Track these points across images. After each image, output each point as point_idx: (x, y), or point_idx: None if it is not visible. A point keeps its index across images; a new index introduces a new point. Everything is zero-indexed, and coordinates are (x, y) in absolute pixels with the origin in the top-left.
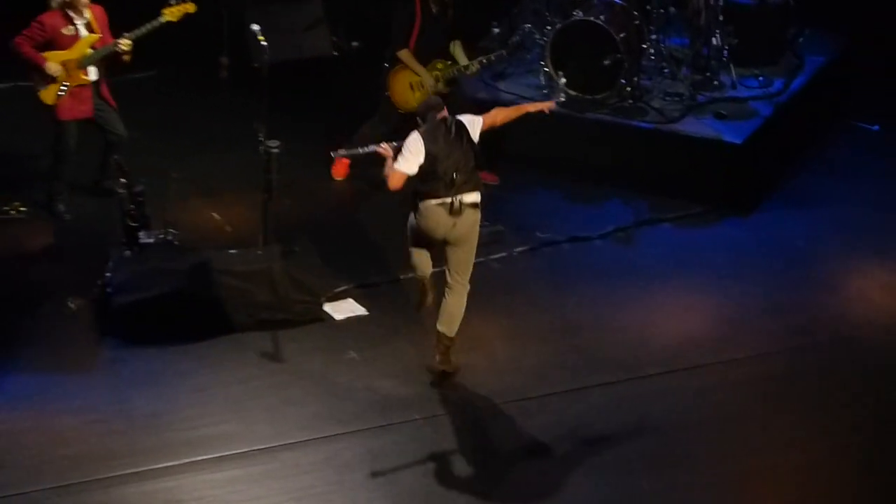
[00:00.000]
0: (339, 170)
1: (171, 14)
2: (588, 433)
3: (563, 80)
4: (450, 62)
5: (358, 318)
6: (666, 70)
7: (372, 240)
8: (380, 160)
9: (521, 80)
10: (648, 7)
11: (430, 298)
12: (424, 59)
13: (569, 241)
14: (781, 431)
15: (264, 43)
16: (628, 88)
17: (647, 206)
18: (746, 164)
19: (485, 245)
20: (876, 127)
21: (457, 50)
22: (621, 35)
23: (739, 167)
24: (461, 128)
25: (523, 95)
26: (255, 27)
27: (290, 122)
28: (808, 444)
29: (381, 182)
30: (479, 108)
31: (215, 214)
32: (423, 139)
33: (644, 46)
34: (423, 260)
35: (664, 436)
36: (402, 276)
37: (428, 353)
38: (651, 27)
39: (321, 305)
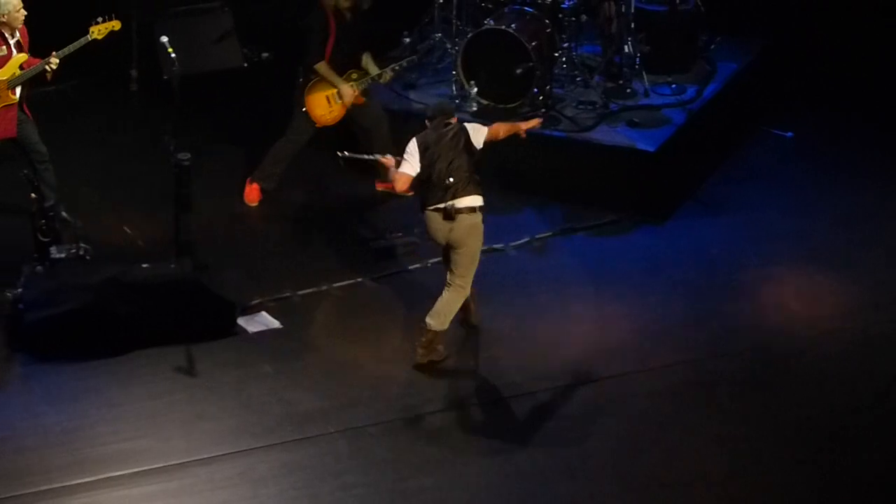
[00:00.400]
0: (252, 195)
1: (97, 32)
2: (506, 443)
3: (475, 90)
4: (363, 72)
5: (272, 332)
6: (578, 78)
7: (285, 253)
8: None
9: (433, 89)
10: (560, 15)
11: (473, 313)
12: (340, 70)
13: (483, 252)
14: (702, 439)
15: (174, 55)
16: (541, 97)
17: (562, 216)
18: (660, 172)
19: (400, 256)
20: (790, 134)
21: (367, 60)
22: (533, 43)
23: (653, 175)
24: (462, 134)
25: None
26: (165, 39)
27: (202, 134)
28: (730, 451)
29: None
30: (391, 118)
31: (127, 228)
32: (418, 142)
33: (556, 55)
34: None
35: (582, 445)
36: (315, 289)
37: (344, 364)
38: (563, 35)
39: (235, 319)
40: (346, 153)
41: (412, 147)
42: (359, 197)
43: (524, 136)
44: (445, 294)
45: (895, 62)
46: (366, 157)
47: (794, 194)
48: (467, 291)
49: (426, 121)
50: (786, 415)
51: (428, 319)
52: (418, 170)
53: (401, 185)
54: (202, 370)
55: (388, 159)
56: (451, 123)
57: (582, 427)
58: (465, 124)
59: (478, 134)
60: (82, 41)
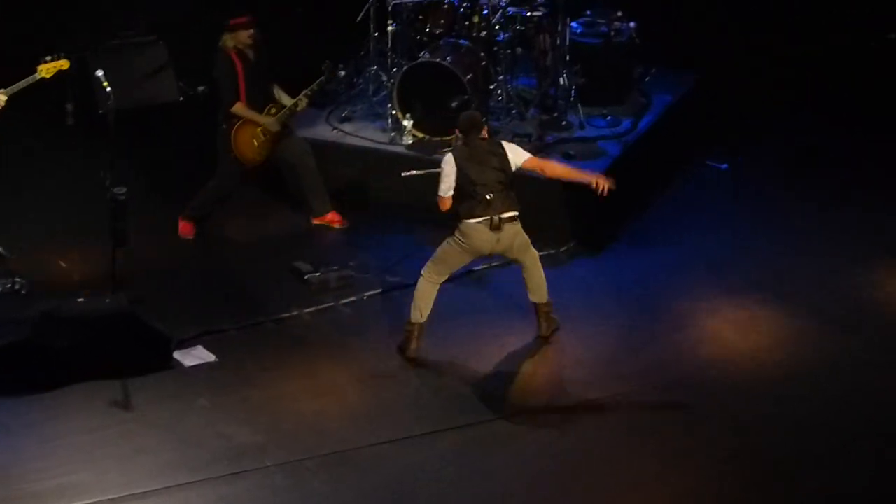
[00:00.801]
0: (185, 230)
1: (45, 70)
2: (442, 476)
3: (410, 123)
4: (280, 105)
5: (208, 365)
6: (514, 111)
7: (221, 286)
8: None
9: (368, 122)
10: (495, 48)
11: (414, 346)
12: (258, 108)
13: None
14: (640, 471)
15: (109, 89)
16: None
17: None
18: (595, 204)
19: (335, 290)
20: (724, 166)
21: (278, 92)
22: (468, 76)
23: (588, 207)
24: (498, 150)
25: (371, 138)
26: (100, 73)
27: (138, 168)
28: (668, 482)
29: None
30: (321, 150)
31: (62, 262)
32: (454, 156)
33: (491, 87)
34: (431, 296)
35: (520, 478)
36: (251, 323)
37: (280, 398)
38: (498, 68)
39: (171, 353)
40: (410, 172)
41: (447, 166)
42: (294, 230)
43: (598, 188)
44: (531, 273)
45: (827, 95)
46: (424, 172)
47: (729, 226)
48: (537, 265)
49: (458, 131)
50: (724, 446)
51: (536, 299)
52: (452, 188)
53: (443, 207)
54: (138, 404)
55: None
56: (484, 138)
57: (512, 460)
58: (504, 143)
59: (516, 156)
60: (30, 80)
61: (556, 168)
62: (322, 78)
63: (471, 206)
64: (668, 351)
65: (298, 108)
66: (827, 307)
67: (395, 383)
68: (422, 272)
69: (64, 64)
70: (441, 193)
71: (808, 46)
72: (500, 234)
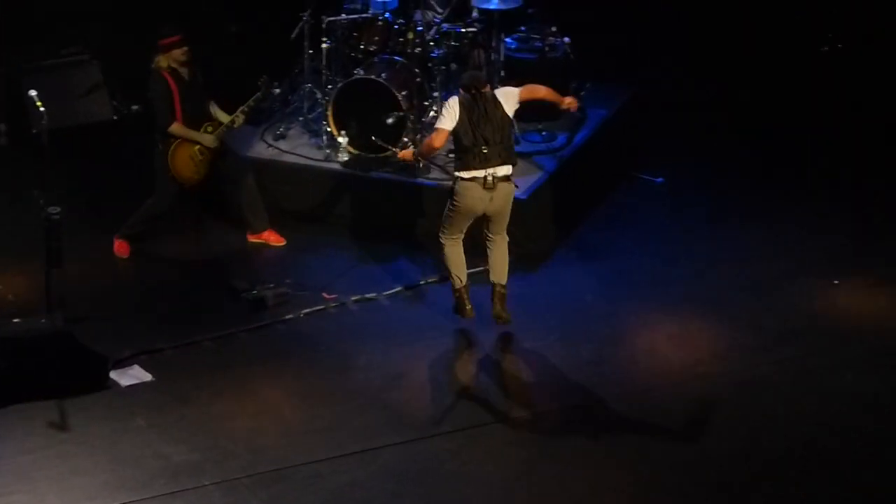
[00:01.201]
0: (121, 249)
1: None
2: (379, 494)
3: (345, 140)
4: (217, 122)
5: (144, 385)
6: None
7: (157, 306)
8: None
9: (303, 139)
10: (430, 64)
11: (469, 307)
12: (194, 126)
13: (356, 302)
14: (579, 487)
15: (42, 109)
16: (411, 146)
17: (433, 265)
18: (532, 219)
19: (272, 307)
20: (660, 179)
21: (215, 109)
22: (403, 93)
23: (525, 222)
24: (496, 103)
25: (306, 155)
26: (33, 93)
27: (72, 188)
28: (601, 497)
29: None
30: (257, 167)
31: None
32: (460, 101)
33: (426, 103)
34: (459, 257)
35: (460, 496)
36: (187, 342)
37: (217, 416)
38: (433, 84)
39: (107, 373)
40: (378, 140)
41: (453, 103)
42: (230, 248)
43: (571, 108)
44: (495, 252)
45: (763, 109)
46: (390, 147)
47: (665, 239)
48: (504, 243)
49: (460, 90)
50: (664, 460)
51: (494, 279)
52: (455, 125)
53: (438, 142)
54: (75, 424)
55: (407, 152)
56: (484, 92)
57: (452, 478)
58: (496, 91)
59: (509, 101)
60: None
61: (541, 90)
62: (258, 94)
63: (466, 160)
64: (606, 366)
65: (236, 125)
66: (763, 319)
67: (332, 401)
68: (439, 238)
69: None
70: (439, 125)
71: (743, 60)
72: (493, 192)
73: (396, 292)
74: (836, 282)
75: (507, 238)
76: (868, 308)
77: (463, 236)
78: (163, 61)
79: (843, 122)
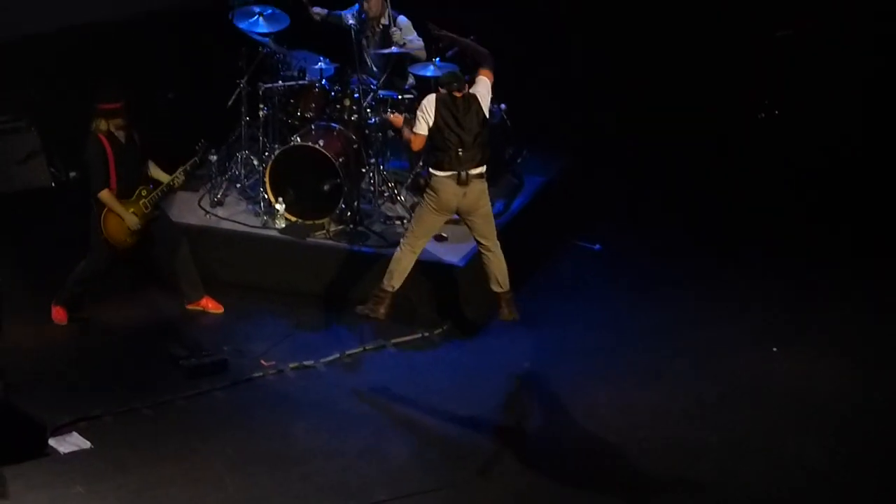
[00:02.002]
0: (58, 315)
1: None
2: None
3: (283, 206)
4: (151, 186)
5: (83, 452)
6: (386, 193)
7: (95, 372)
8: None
9: (240, 206)
10: (367, 131)
11: (383, 311)
12: (129, 189)
13: (294, 369)
14: None
15: None
16: (349, 213)
17: (372, 331)
18: (468, 286)
19: (210, 375)
20: (598, 246)
21: (155, 170)
22: (340, 160)
23: (462, 289)
24: (473, 103)
25: (243, 222)
26: None
27: (9, 255)
28: None
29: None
30: (194, 235)
31: None
32: (436, 102)
33: (364, 170)
34: (408, 267)
35: None
36: (126, 409)
37: (156, 484)
38: (370, 151)
39: (46, 440)
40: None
41: (429, 104)
42: (169, 315)
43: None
44: (492, 261)
45: (702, 175)
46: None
47: (603, 307)
48: (499, 251)
49: (438, 87)
50: None
51: (496, 288)
52: (430, 127)
53: (416, 145)
54: (13, 491)
55: (398, 117)
56: (463, 94)
57: None
58: (474, 91)
59: (484, 94)
60: None
61: (474, 54)
62: (196, 158)
63: (440, 160)
64: (547, 432)
65: (175, 185)
66: (703, 386)
67: (271, 468)
68: (401, 242)
69: None
70: (416, 130)
71: (681, 126)
72: (466, 188)
73: (334, 359)
74: (774, 349)
75: (498, 244)
76: (808, 374)
77: (420, 251)
78: (102, 125)
79: (782, 189)
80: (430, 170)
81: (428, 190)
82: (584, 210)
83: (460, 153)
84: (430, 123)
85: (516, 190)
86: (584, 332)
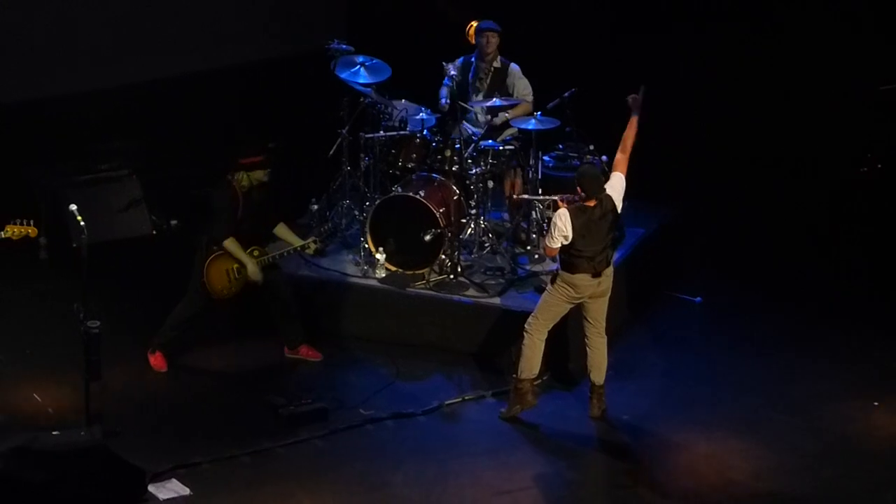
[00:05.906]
0: (157, 362)
1: (12, 232)
2: None
3: (383, 256)
4: (263, 248)
5: (182, 499)
6: (486, 244)
7: (194, 419)
8: None
9: (341, 256)
10: (467, 182)
11: (531, 399)
12: (243, 246)
13: (392, 418)
14: None
15: (82, 223)
16: (449, 263)
17: (471, 382)
18: (568, 338)
19: (309, 423)
20: (698, 299)
21: (284, 232)
22: (441, 210)
23: (561, 340)
24: (610, 209)
25: (344, 272)
26: (73, 207)
27: (111, 302)
28: None
29: None
30: (296, 282)
31: (36, 396)
32: (571, 217)
33: (464, 220)
34: (540, 352)
35: None
36: (225, 456)
37: None
38: (471, 201)
39: (145, 486)
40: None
41: (564, 221)
42: (268, 362)
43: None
44: (595, 350)
45: (802, 229)
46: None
47: (703, 360)
48: (604, 340)
49: (577, 187)
50: None
51: (594, 378)
52: (560, 245)
53: (549, 255)
54: None
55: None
56: (601, 200)
57: None
58: (609, 189)
59: (619, 193)
60: None
61: (625, 147)
62: (329, 225)
63: (574, 264)
64: (644, 486)
65: (307, 251)
66: (801, 440)
67: None
68: (526, 329)
69: (32, 231)
70: (549, 244)
71: (784, 183)
72: (601, 279)
73: (433, 409)
74: (875, 403)
75: (605, 337)
76: None
77: (546, 335)
78: (244, 180)
79: (884, 244)
80: (562, 271)
81: (561, 283)
82: (684, 262)
83: (596, 258)
84: (567, 241)
85: (617, 242)
86: (682, 385)
